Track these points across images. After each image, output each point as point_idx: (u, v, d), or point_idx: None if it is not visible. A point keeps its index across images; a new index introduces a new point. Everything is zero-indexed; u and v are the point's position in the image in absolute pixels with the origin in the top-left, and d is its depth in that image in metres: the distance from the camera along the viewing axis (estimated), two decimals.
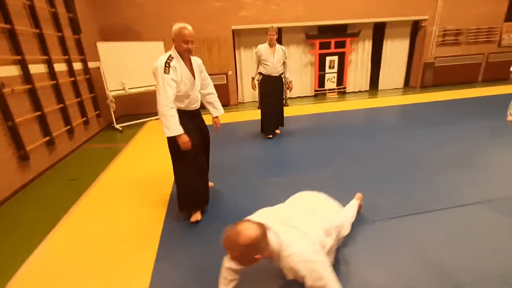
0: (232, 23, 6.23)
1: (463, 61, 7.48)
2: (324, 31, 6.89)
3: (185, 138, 1.86)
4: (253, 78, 3.87)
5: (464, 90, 6.81)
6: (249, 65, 6.97)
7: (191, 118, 2.08)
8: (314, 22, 6.58)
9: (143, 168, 3.23)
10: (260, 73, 3.77)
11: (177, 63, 1.85)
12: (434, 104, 5.58)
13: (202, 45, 6.17)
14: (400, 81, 7.83)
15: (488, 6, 7.20)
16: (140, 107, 6.33)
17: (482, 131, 3.74)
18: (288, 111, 5.62)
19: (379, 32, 7.24)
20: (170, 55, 1.84)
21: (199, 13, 5.96)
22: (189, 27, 1.84)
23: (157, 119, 5.69)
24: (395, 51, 7.45)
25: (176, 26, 1.84)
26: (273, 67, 3.68)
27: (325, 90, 7.32)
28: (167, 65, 1.79)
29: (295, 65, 7.10)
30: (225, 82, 6.51)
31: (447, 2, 6.89)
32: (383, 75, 7.66)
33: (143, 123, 5.53)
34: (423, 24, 7.14)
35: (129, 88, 5.11)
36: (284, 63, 3.79)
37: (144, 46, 5.27)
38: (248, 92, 7.18)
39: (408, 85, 7.93)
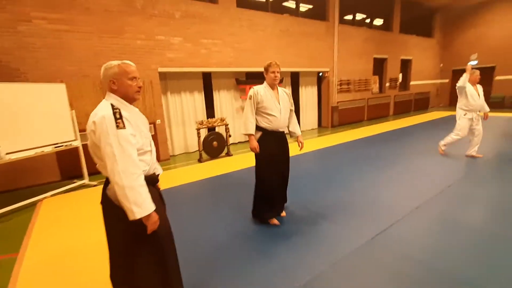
0: (158, 65, 5.28)
1: (355, 105, 9.24)
2: (251, 77, 6.95)
3: (155, 217, 1.31)
4: (251, 135, 2.49)
5: (375, 126, 8.29)
6: (179, 113, 6.02)
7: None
8: (243, 68, 6.52)
9: None
10: (259, 129, 2.52)
11: (127, 111, 1.34)
12: (350, 144, 6.38)
13: None
14: (315, 122, 8.76)
15: (363, 63, 9.39)
16: (23, 178, 4.12)
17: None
18: (232, 162, 4.99)
19: (295, 80, 8.00)
20: (112, 105, 1.30)
21: (113, 49, 4.73)
22: (131, 62, 1.40)
23: (55, 194, 3.79)
24: (308, 96, 8.38)
25: (112, 64, 1.35)
26: (280, 120, 2.52)
27: None
28: (118, 117, 1.25)
29: (228, 110, 6.70)
30: (153, 132, 5.26)
31: (340, 59, 8.50)
32: (302, 118, 8.36)
33: (33, 203, 3.50)
34: (326, 75, 8.44)
35: (6, 153, 3.18)
36: (290, 111, 2.71)
37: (33, 90, 3.54)
38: (179, 143, 6.10)
39: (321, 126, 8.96)
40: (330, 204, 3.02)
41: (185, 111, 6.06)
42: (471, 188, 3.26)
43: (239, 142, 7.01)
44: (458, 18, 12.29)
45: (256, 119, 2.52)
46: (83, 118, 4.38)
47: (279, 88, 2.61)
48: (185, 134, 6.17)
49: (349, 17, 9.02)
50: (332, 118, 8.60)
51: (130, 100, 1.37)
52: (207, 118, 6.37)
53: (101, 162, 1.28)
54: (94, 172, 4.41)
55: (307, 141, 6.73)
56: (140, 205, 1.23)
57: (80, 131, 4.22)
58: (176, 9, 5.37)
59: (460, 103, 4.44)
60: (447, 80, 13.13)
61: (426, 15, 12.06)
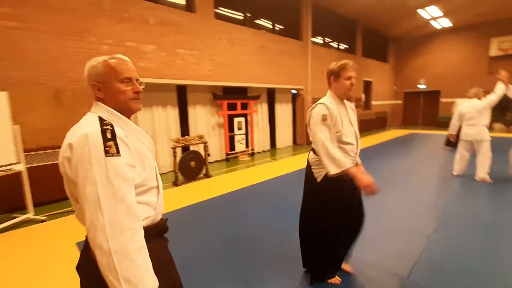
0: None
1: None
2: (228, 92, 6.59)
3: None
4: (350, 170, 1.59)
5: None
6: (149, 129, 5.33)
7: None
8: (221, 82, 6.14)
9: None
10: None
11: (124, 128, 0.91)
12: None
13: (83, 101, 4.03)
14: (290, 140, 8.65)
15: None
16: None
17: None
18: (213, 185, 4.48)
19: (271, 97, 7.85)
20: (101, 119, 0.87)
21: (75, 54, 3.98)
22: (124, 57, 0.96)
23: None
24: (284, 113, 8.28)
25: (96, 60, 0.93)
26: (357, 148, 1.79)
27: (237, 153, 6.75)
28: (110, 137, 0.82)
29: (203, 127, 6.17)
30: None
31: (313, 78, 8.66)
32: (278, 135, 8.18)
33: None
34: (300, 93, 8.48)
35: None
36: None
37: None
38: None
39: (296, 143, 8.88)
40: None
41: (156, 128, 5.38)
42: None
43: (215, 161, 6.48)
44: (409, 47, 13.75)
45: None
46: (30, 135, 3.51)
47: (346, 102, 1.82)
48: (156, 153, 5.46)
49: (320, 40, 9.36)
50: (307, 136, 8.59)
51: (125, 111, 0.94)
52: (182, 135, 5.76)
53: (80, 207, 0.81)
54: (41, 202, 3.50)
55: (286, 160, 6.51)
56: (136, 284, 0.77)
57: (25, 151, 3.35)
58: (151, 14, 4.84)
59: (486, 120, 4.06)
60: (400, 101, 14.41)
61: (383, 42, 13.25)
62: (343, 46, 10.58)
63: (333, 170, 1.58)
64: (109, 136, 0.81)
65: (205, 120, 6.23)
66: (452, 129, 4.47)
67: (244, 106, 6.89)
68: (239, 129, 6.74)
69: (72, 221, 3.26)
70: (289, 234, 2.69)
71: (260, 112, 7.45)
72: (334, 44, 10.19)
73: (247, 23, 6.87)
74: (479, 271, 2.04)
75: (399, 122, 14.51)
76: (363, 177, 1.56)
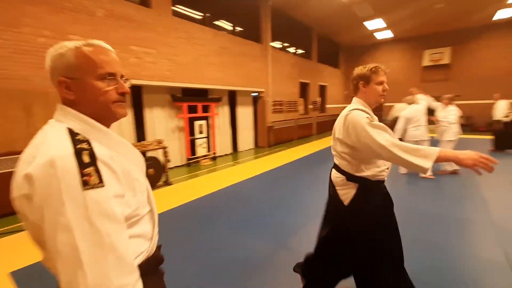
0: None
1: (287, 124, 9.63)
2: (188, 94, 6.27)
3: None
4: (440, 153, 1.17)
5: (295, 148, 8.67)
6: None
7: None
8: (181, 84, 5.80)
9: None
10: (358, 180, 1.44)
11: (105, 143, 0.67)
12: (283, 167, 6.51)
13: (10, 103, 3.36)
14: (251, 142, 8.61)
15: (292, 86, 10.00)
16: None
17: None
18: (173, 194, 4.21)
19: (233, 99, 7.72)
20: (72, 132, 0.63)
21: (1, 46, 3.33)
22: (104, 44, 0.72)
23: None
24: (245, 116, 8.21)
25: (65, 46, 0.68)
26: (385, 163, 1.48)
27: (198, 157, 6.44)
28: (88, 161, 0.58)
29: (161, 131, 5.75)
30: None
31: (273, 80, 8.77)
32: (239, 138, 8.07)
33: None
34: (261, 95, 8.51)
35: None
36: None
37: None
38: None
39: (257, 146, 8.88)
40: None
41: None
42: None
43: (175, 167, 6.09)
44: (357, 55, 14.90)
45: (352, 165, 1.43)
46: None
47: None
48: None
49: (279, 44, 9.55)
50: (269, 138, 8.66)
51: (105, 119, 0.71)
52: (138, 141, 5.28)
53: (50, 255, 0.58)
54: None
55: (249, 163, 6.44)
56: None
57: None
58: (99, 6, 4.34)
59: (425, 121, 4.67)
60: None
61: (335, 49, 14.13)
62: (300, 51, 10.97)
63: (427, 164, 1.17)
64: (86, 159, 0.58)
65: (163, 124, 5.81)
66: (400, 134, 4.84)
67: (205, 109, 6.64)
68: (201, 132, 6.46)
69: (8, 242, 2.69)
70: (259, 246, 2.61)
71: (221, 115, 7.26)
72: (292, 49, 10.49)
73: (207, 23, 6.65)
74: (432, 264, 2.21)
75: None
76: (464, 153, 1.11)
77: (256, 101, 8.66)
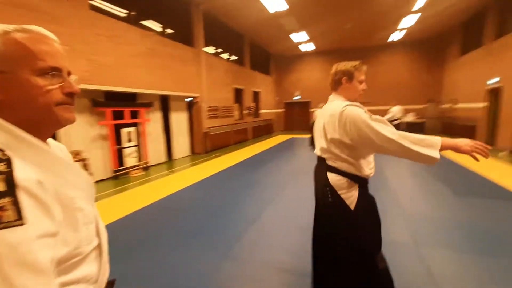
0: None
1: (224, 130, 9.61)
2: (112, 98, 5.62)
3: None
4: (443, 144, 1.19)
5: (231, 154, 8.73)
6: None
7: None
8: (103, 87, 5.16)
9: None
10: (357, 179, 1.40)
11: (35, 161, 0.52)
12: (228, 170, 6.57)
13: None
14: (187, 149, 8.26)
15: (226, 92, 10.05)
16: None
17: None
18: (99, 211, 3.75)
19: (165, 105, 7.27)
20: None
21: None
22: (43, 30, 0.58)
23: None
24: (180, 122, 7.85)
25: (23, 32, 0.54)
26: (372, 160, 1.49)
27: (128, 168, 5.80)
28: (7, 191, 0.44)
29: (79, 140, 4.98)
30: None
31: (208, 86, 8.65)
32: (174, 145, 7.65)
33: None
34: (196, 101, 8.28)
35: None
36: None
37: None
38: None
39: (194, 152, 8.57)
40: None
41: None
42: None
43: (99, 181, 5.35)
44: (286, 64, 16.02)
45: (355, 165, 1.38)
46: None
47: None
48: None
49: (212, 49, 9.49)
50: (205, 144, 8.47)
51: (45, 126, 0.57)
52: None
53: None
54: None
55: (186, 171, 6.17)
56: None
57: None
58: None
59: None
60: (282, 110, 16.55)
61: (266, 57, 14.86)
62: (233, 57, 11.15)
63: (436, 154, 1.15)
64: (1, 187, 0.44)
65: (82, 132, 5.04)
66: None
67: (134, 115, 6.07)
68: (129, 140, 5.86)
69: None
70: (202, 260, 2.51)
71: (153, 121, 6.76)
72: (226, 55, 10.57)
73: (132, 22, 6.12)
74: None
75: (282, 128, 16.62)
76: (461, 141, 1.16)
77: (191, 106, 8.38)
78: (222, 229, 3.03)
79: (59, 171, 0.56)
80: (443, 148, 1.16)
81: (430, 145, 1.15)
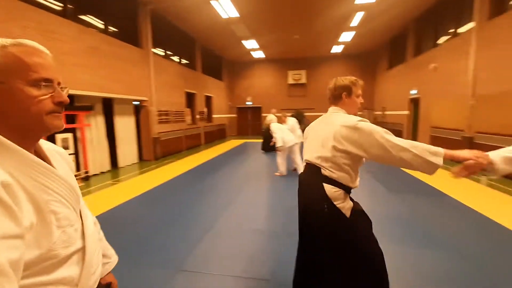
0: None
1: (175, 135, 9.25)
2: None
3: None
4: (447, 154, 1.26)
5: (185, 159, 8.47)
6: None
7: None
8: None
9: None
10: (346, 188, 1.45)
11: (10, 159, 0.55)
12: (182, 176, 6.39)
13: None
14: (135, 156, 7.71)
15: (178, 96, 9.72)
16: None
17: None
18: None
19: (109, 108, 6.69)
20: None
21: None
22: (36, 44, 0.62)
23: None
24: (126, 127, 7.30)
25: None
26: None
27: None
28: None
29: None
30: None
31: (157, 89, 8.24)
32: (119, 152, 7.07)
33: None
34: (144, 105, 7.82)
35: None
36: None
37: None
38: None
39: (142, 159, 8.03)
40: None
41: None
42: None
43: None
44: (238, 69, 16.24)
45: (351, 177, 1.44)
46: None
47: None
48: None
49: (161, 51, 9.10)
50: (155, 150, 8.03)
51: (36, 131, 0.62)
52: None
53: None
54: None
55: (133, 180, 5.77)
56: None
57: None
58: None
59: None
60: (235, 115, 16.68)
61: (218, 62, 14.83)
62: (184, 61, 10.87)
63: (440, 161, 1.22)
64: None
65: None
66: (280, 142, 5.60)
67: (71, 119, 5.45)
68: (65, 148, 5.23)
69: None
70: (153, 275, 2.40)
71: (95, 126, 6.16)
72: (176, 58, 10.25)
73: (68, 16, 5.52)
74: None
75: (235, 133, 16.73)
76: (461, 151, 1.24)
77: (138, 110, 7.87)
78: (174, 241, 2.89)
79: (34, 175, 0.57)
80: (446, 156, 1.22)
81: (434, 153, 1.22)
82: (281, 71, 15.70)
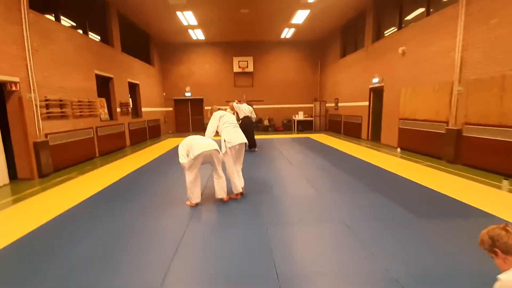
0: None
1: (79, 137, 6.36)
2: None
3: None
4: None
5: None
6: None
7: None
8: None
9: None
10: None
11: None
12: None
13: None
14: (2, 174, 4.70)
15: (83, 79, 6.76)
16: None
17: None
18: None
19: None
20: None
21: None
22: None
23: None
24: None
25: None
26: None
27: None
28: None
29: None
30: None
31: (40, 65, 5.29)
32: None
33: None
34: (14, 89, 4.82)
35: None
36: None
37: None
38: None
39: (17, 178, 5.03)
40: None
41: None
42: None
43: None
44: (173, 53, 13.47)
45: None
46: None
47: None
48: None
49: (51, 16, 6.02)
50: (38, 162, 5.12)
51: None
52: None
53: None
54: None
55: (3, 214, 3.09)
56: None
57: None
58: None
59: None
60: (171, 108, 13.92)
61: (145, 40, 11.82)
62: (94, 34, 7.79)
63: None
64: None
65: None
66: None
67: None
68: None
69: None
70: None
71: None
72: (80, 26, 7.17)
73: None
74: None
75: (173, 130, 14.03)
76: None
77: (3, 99, 4.86)
78: None
79: None
80: None
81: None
82: (224, 57, 13.62)
